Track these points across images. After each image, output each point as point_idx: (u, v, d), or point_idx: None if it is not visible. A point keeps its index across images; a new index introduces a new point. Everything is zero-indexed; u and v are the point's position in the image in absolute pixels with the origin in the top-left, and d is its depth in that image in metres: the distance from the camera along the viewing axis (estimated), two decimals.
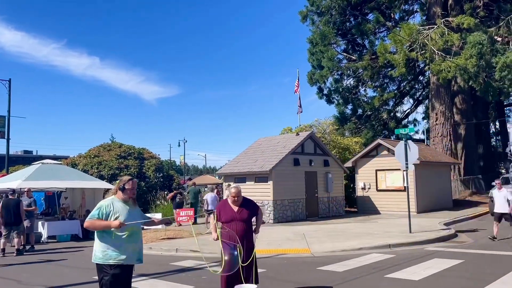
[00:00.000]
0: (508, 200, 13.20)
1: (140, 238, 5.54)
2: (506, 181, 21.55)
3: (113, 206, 5.31)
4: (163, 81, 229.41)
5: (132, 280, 8.71)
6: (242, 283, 6.58)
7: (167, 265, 9.87)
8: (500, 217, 13.45)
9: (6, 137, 31.77)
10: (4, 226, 13.78)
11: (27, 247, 14.38)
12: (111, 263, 5.14)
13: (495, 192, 13.85)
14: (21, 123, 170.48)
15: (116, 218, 5.22)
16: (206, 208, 19.71)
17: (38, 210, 17.74)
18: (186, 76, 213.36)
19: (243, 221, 6.88)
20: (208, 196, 20.50)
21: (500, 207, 13.42)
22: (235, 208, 6.94)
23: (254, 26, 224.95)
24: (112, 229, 5.17)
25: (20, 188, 14.96)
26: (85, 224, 5.27)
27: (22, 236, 14.19)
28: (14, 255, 13.40)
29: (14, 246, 13.72)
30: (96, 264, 5.24)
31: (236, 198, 6.90)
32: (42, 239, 16.53)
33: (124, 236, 5.25)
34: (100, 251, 5.20)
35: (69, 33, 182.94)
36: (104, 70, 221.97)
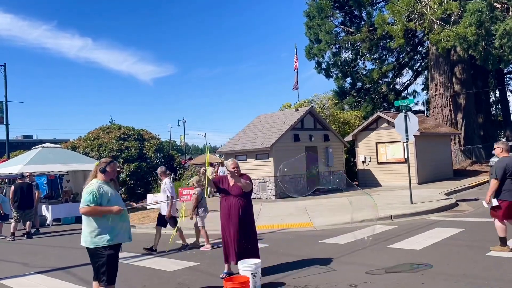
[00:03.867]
0: None
1: (128, 217, 5.70)
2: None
3: (102, 189, 5.37)
4: (158, 61, 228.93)
5: (137, 259, 8.86)
6: (245, 258, 6.67)
7: (172, 243, 9.97)
8: None
9: (5, 123, 31.78)
10: (17, 209, 13.93)
11: (33, 230, 14.53)
12: (105, 245, 5.25)
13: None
14: (19, 108, 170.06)
15: (108, 201, 5.33)
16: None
17: (41, 194, 17.87)
18: (181, 55, 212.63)
19: (238, 195, 6.98)
20: (201, 170, 21.19)
21: None
22: (231, 182, 7.05)
23: (249, 1, 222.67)
24: (113, 214, 5.31)
25: (22, 173, 15.04)
26: (84, 210, 5.25)
27: (33, 219, 14.47)
28: (25, 238, 13.60)
29: (25, 229, 13.91)
30: (89, 248, 5.32)
31: (236, 170, 6.94)
32: (47, 222, 16.71)
33: (117, 218, 5.39)
34: (95, 235, 5.26)
35: (60, 14, 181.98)
36: (98, 51, 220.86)
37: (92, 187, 5.33)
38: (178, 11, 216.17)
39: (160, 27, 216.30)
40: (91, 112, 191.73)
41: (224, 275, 6.92)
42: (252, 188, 7.26)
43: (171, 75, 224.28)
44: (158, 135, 33.89)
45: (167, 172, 10.59)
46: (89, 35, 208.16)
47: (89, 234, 5.29)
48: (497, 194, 7.75)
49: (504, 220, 7.76)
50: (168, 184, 10.08)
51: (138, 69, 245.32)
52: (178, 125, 66.96)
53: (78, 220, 17.25)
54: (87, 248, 5.34)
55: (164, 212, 10.13)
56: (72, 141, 31.28)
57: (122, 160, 27.64)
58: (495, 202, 7.70)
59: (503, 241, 7.83)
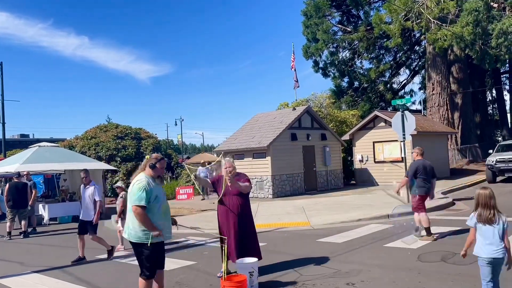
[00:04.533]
0: None
1: (170, 215, 5.69)
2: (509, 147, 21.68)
3: (152, 185, 5.31)
4: (155, 60, 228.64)
5: (134, 258, 8.84)
6: (244, 257, 6.69)
7: (168, 242, 9.94)
8: None
9: (1, 121, 31.68)
10: (10, 208, 13.88)
11: (29, 229, 14.49)
12: (150, 241, 5.23)
13: None
14: (16, 108, 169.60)
15: (155, 198, 5.28)
16: (199, 175, 20.59)
17: (38, 194, 17.83)
18: (178, 54, 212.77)
19: (236, 195, 6.95)
20: (200, 169, 21.00)
21: None
22: (228, 181, 7.00)
23: (247, 0, 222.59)
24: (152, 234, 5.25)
25: (19, 172, 15.01)
26: (138, 212, 5.15)
27: (28, 219, 14.40)
28: (21, 237, 13.55)
29: (21, 228, 13.86)
30: (132, 242, 5.33)
31: (229, 169, 6.93)
32: (44, 221, 16.68)
33: (162, 216, 5.39)
34: (141, 230, 5.23)
35: (55, 12, 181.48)
36: (94, 49, 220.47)
37: (143, 183, 5.24)
38: (175, 10, 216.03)
39: (157, 26, 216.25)
40: (88, 111, 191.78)
41: (221, 274, 6.86)
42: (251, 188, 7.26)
43: (168, 74, 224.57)
44: (156, 134, 34.14)
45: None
46: (85, 34, 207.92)
47: (133, 228, 5.28)
48: (413, 190, 9.45)
49: (423, 212, 9.25)
50: (97, 187, 9.46)
51: (135, 68, 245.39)
52: (176, 124, 66.84)
53: (75, 219, 17.22)
54: (131, 242, 5.35)
55: (87, 218, 9.40)
56: (69, 140, 31.42)
57: (119, 159, 27.77)
58: (403, 193, 9.50)
59: (428, 231, 9.19)
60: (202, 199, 19.79)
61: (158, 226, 5.28)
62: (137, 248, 5.33)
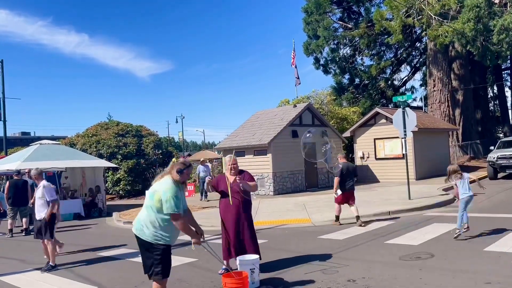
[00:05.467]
0: None
1: None
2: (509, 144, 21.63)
3: (179, 191, 5.23)
4: (155, 57, 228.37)
5: (133, 256, 8.84)
6: (244, 254, 6.71)
7: None
8: None
9: (2, 119, 31.69)
10: (11, 206, 13.89)
11: (31, 227, 14.52)
12: (164, 243, 5.18)
13: None
14: (17, 105, 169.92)
15: (180, 202, 5.23)
16: (199, 177, 20.82)
17: None
18: (179, 51, 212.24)
19: (239, 192, 6.91)
20: (200, 168, 21.13)
21: None
22: (231, 179, 7.00)
23: None
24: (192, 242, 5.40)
25: (19, 170, 15.02)
26: (179, 221, 5.12)
27: (29, 216, 14.38)
28: (23, 234, 13.57)
29: (22, 226, 13.88)
30: (146, 242, 5.21)
31: (233, 166, 6.96)
32: None
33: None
34: (157, 231, 5.15)
35: (55, 9, 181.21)
36: (94, 47, 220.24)
37: (174, 189, 5.14)
38: (175, 8, 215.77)
39: (157, 23, 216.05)
40: (89, 108, 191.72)
41: (223, 271, 6.91)
42: None
43: (168, 71, 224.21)
44: (156, 132, 34.26)
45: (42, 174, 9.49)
46: (85, 31, 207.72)
47: (149, 228, 5.16)
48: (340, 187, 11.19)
49: (340, 204, 11.32)
50: (47, 187, 8.84)
51: (135, 65, 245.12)
52: (177, 122, 67.22)
53: (76, 217, 17.44)
54: (144, 241, 5.20)
55: (40, 216, 8.79)
56: (70, 138, 31.51)
57: (120, 156, 27.79)
58: (339, 193, 11.12)
59: (337, 218, 11.45)
60: (200, 200, 19.87)
61: (174, 231, 5.25)
62: (150, 248, 5.20)
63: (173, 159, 5.64)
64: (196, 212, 16.19)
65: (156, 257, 5.18)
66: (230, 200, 6.90)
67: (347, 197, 11.25)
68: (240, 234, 6.91)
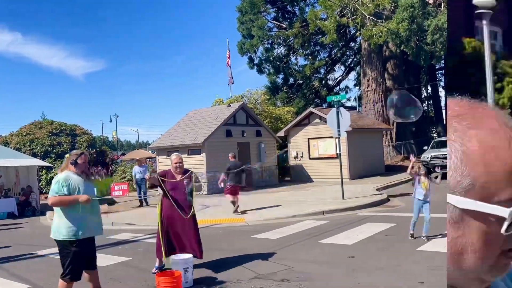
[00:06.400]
0: None
1: (99, 210, 5.50)
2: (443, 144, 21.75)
3: (71, 179, 5.13)
4: (89, 56, 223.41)
5: None
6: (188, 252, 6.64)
7: (103, 238, 9.46)
8: None
9: None
10: None
11: None
12: (74, 239, 5.00)
13: None
14: None
15: (78, 191, 5.11)
16: (135, 178, 19.22)
17: None
18: (112, 50, 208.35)
19: (182, 189, 6.90)
20: (136, 169, 19.67)
21: None
22: (178, 177, 6.97)
23: None
24: (80, 203, 5.04)
25: None
26: (51, 201, 5.02)
27: None
28: None
29: None
30: (57, 240, 5.08)
31: (179, 165, 6.98)
32: None
33: (88, 210, 5.15)
34: (64, 228, 5.00)
35: None
36: (27, 46, 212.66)
37: (58, 177, 5.15)
38: (108, 6, 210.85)
39: (90, 22, 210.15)
40: (23, 107, 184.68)
41: (156, 270, 6.87)
42: None
43: (102, 70, 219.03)
44: (91, 131, 34.87)
45: None
46: (18, 30, 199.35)
47: (58, 226, 5.06)
48: (229, 181, 12.95)
49: (229, 195, 13.14)
50: None
51: (69, 64, 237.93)
52: (111, 121, 65.12)
53: (10, 216, 16.89)
54: (56, 241, 5.10)
55: None
56: (3, 137, 31.72)
57: (54, 155, 28.10)
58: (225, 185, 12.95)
59: (233, 204, 13.12)
60: (139, 206, 17.70)
61: (84, 222, 5.06)
62: (61, 246, 5.06)
63: (67, 155, 5.52)
64: (130, 212, 15.60)
65: (66, 256, 5.04)
66: (175, 198, 6.79)
67: (235, 189, 13.12)
68: (185, 233, 6.86)
